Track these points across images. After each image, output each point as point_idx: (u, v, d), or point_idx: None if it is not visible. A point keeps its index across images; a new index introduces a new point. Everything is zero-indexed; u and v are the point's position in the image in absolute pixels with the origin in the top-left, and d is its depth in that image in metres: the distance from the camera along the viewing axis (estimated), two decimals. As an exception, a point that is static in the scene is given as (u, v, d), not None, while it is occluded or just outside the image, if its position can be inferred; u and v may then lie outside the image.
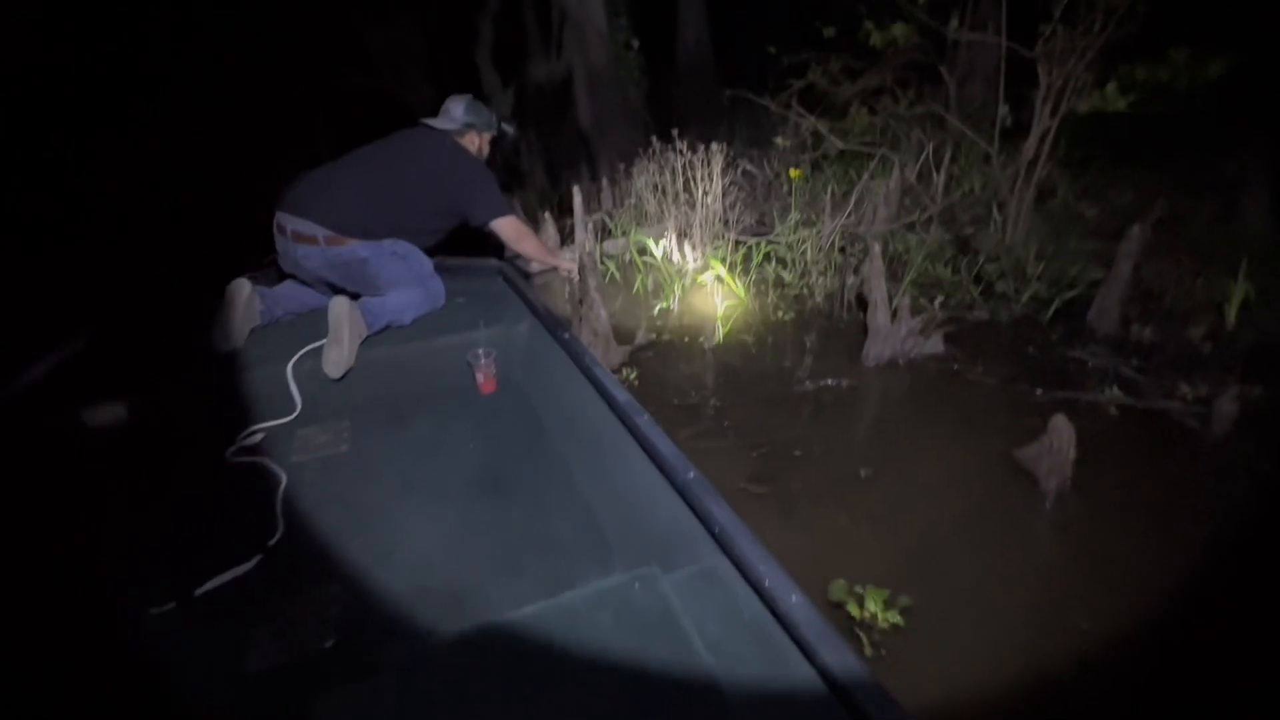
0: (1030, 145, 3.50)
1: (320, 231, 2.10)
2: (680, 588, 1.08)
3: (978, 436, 2.36)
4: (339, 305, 1.94)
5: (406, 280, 2.20)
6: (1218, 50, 2.81)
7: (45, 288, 3.04)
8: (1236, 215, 3.71)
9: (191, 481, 1.68)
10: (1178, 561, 1.77)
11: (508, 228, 2.34)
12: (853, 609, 1.65)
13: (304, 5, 6.78)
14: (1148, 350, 2.75)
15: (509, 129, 2.56)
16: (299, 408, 1.89)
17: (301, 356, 1.96)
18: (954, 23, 3.52)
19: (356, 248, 2.13)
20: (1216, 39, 2.85)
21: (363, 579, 1.32)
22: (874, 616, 1.64)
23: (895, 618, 1.62)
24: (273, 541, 1.43)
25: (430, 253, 2.37)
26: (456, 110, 2.40)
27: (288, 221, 2.13)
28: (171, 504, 1.61)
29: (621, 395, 1.47)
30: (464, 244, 2.56)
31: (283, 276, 2.39)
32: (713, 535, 1.09)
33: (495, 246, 2.55)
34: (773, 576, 0.95)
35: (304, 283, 2.33)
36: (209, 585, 1.31)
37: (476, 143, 2.45)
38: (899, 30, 3.59)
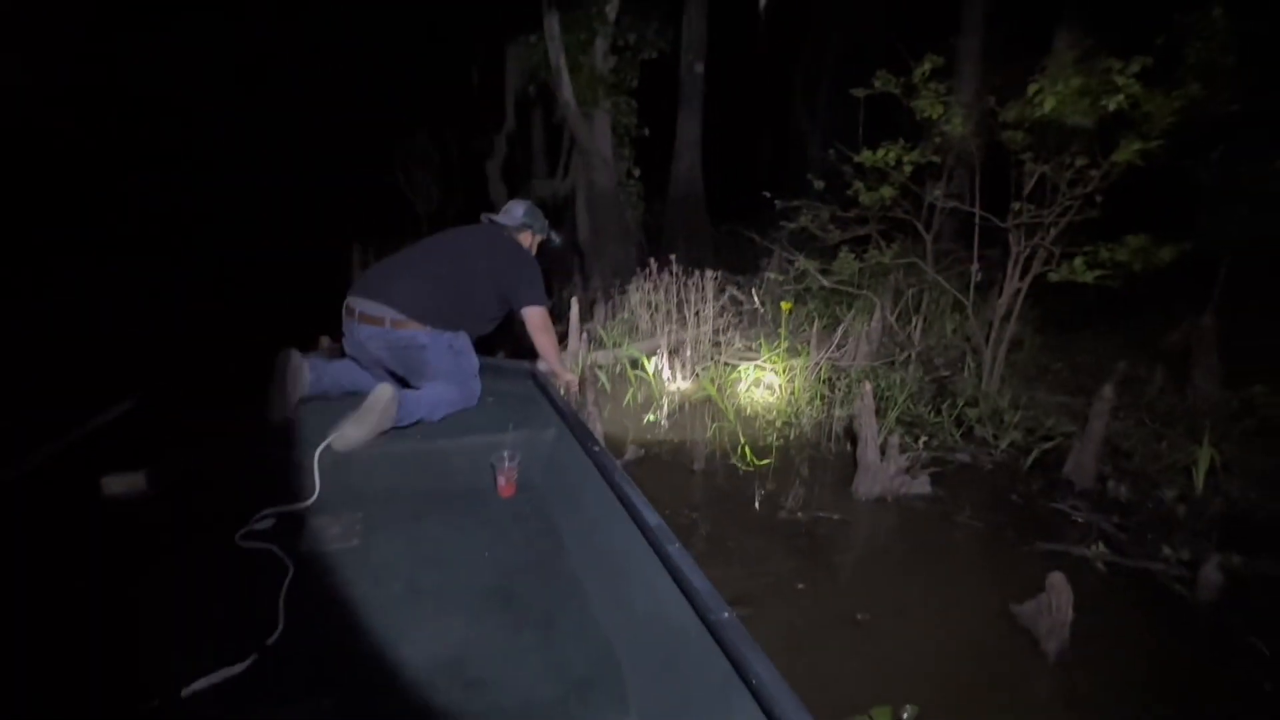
0: (1003, 302, 3.79)
1: (389, 314, 2.18)
2: None
3: (972, 586, 2.33)
4: (383, 391, 1.97)
5: (451, 376, 2.26)
6: (1168, 237, 3.18)
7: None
8: (1185, 382, 4.00)
9: (198, 563, 1.59)
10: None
11: (537, 316, 2.46)
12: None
13: (344, 118, 7.65)
14: (1125, 508, 2.83)
15: (555, 238, 2.81)
16: (316, 494, 1.82)
17: (330, 442, 1.91)
18: (935, 190, 3.92)
19: (419, 334, 2.21)
20: (1167, 226, 3.25)
21: (359, 695, 1.20)
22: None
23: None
24: (271, 640, 1.32)
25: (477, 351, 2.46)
26: (518, 211, 2.64)
27: (358, 304, 2.23)
28: (175, 586, 1.50)
29: (653, 518, 1.38)
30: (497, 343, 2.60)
31: (342, 357, 2.46)
32: (749, 687, 0.98)
33: (530, 350, 2.64)
34: None
35: (362, 366, 2.38)
36: (198, 685, 1.19)
37: (529, 241, 2.66)
38: (886, 191, 3.96)
